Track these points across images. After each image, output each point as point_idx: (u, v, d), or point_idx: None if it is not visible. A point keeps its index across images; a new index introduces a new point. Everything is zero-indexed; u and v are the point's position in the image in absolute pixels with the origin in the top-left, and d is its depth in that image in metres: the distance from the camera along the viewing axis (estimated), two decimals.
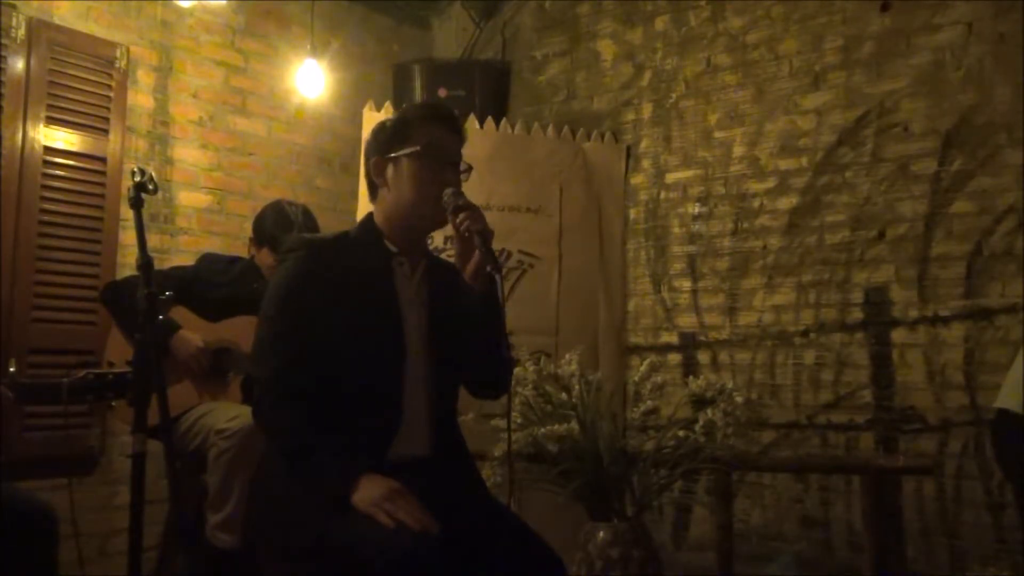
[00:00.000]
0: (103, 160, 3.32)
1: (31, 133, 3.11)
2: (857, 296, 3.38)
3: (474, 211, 1.73)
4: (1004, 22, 3.12)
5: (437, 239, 3.62)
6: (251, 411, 1.76)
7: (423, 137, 1.77)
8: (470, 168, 1.83)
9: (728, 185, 3.75)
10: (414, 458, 1.73)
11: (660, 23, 4.02)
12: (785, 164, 3.60)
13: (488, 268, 1.69)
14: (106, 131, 3.34)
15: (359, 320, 1.72)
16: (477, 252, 1.72)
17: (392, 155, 1.78)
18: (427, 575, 1.49)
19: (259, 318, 1.76)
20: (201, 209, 3.73)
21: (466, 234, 1.72)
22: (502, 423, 2.70)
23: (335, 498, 1.58)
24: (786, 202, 3.58)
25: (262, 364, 1.74)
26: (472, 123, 3.91)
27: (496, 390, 1.91)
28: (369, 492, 1.57)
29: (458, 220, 1.72)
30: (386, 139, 1.80)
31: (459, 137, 1.84)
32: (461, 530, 1.62)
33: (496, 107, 4.21)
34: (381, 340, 1.73)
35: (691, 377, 3.10)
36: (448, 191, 1.74)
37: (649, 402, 2.72)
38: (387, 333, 1.74)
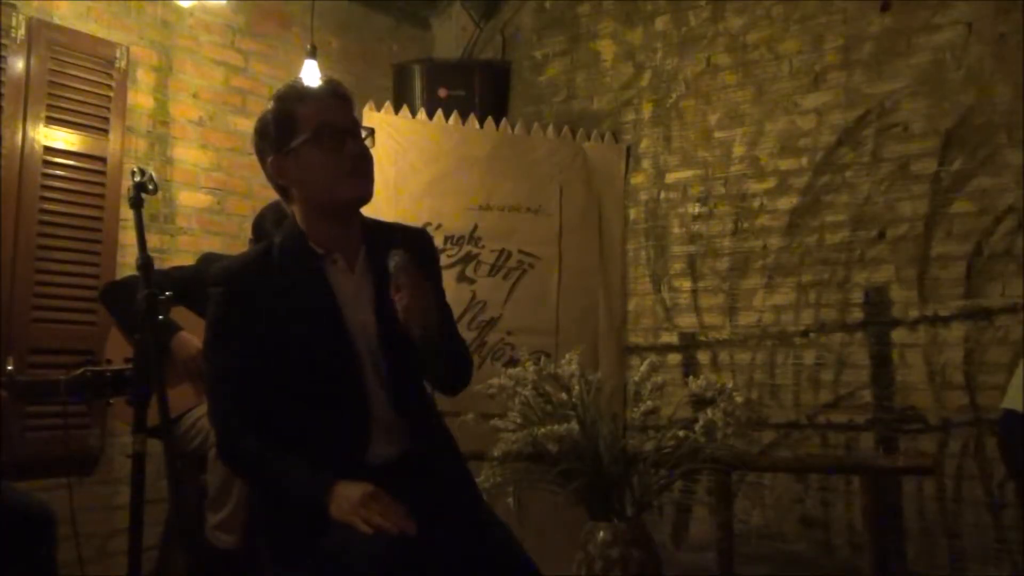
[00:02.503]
0: (103, 160, 3.32)
1: (31, 133, 3.11)
2: (857, 296, 3.38)
3: (415, 290, 1.58)
4: (1004, 22, 3.12)
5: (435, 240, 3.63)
6: (215, 451, 1.75)
7: (311, 118, 1.65)
8: (372, 131, 1.72)
9: (728, 185, 3.75)
10: (390, 458, 1.68)
11: (660, 23, 4.02)
12: (785, 164, 3.60)
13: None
14: (106, 131, 3.34)
15: (299, 335, 1.64)
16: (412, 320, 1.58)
17: (287, 149, 1.66)
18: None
19: (202, 360, 1.73)
20: (201, 209, 3.73)
21: (400, 310, 1.58)
22: (502, 423, 2.71)
23: (313, 516, 1.55)
24: (786, 202, 3.58)
25: (211, 409, 1.70)
26: (472, 123, 3.91)
27: (457, 387, 1.82)
28: (343, 501, 1.53)
29: (395, 296, 1.58)
30: (274, 135, 1.68)
31: (346, 102, 1.71)
32: (440, 530, 1.59)
33: (496, 107, 4.21)
34: (327, 349, 1.66)
35: (691, 377, 3.10)
36: (394, 259, 1.61)
37: (649, 402, 2.72)
38: (332, 340, 1.66)
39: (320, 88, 1.73)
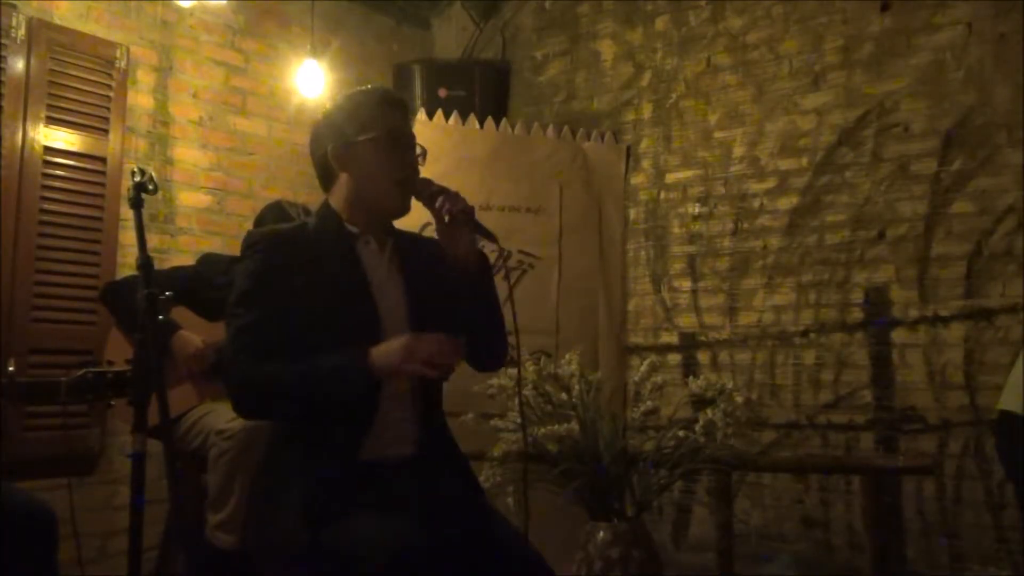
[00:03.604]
0: (103, 160, 3.32)
1: (31, 133, 3.11)
2: (857, 296, 3.38)
3: (450, 192, 1.73)
4: (1004, 22, 3.12)
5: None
6: (233, 405, 1.71)
7: (381, 122, 1.76)
8: (425, 152, 1.82)
9: (728, 185, 3.75)
10: (401, 458, 1.70)
11: (660, 23, 4.02)
12: (785, 164, 3.60)
13: (483, 244, 1.72)
14: (106, 131, 3.34)
15: (329, 307, 1.68)
16: (463, 231, 1.72)
17: (351, 141, 1.75)
18: None
19: (226, 316, 1.72)
20: (201, 209, 3.72)
21: (447, 217, 1.71)
22: (502, 423, 2.71)
23: (360, 389, 1.59)
24: (786, 202, 3.58)
25: (229, 358, 1.68)
26: (472, 123, 3.91)
27: (497, 361, 1.89)
28: (385, 357, 1.59)
29: (437, 204, 1.71)
30: (343, 126, 1.77)
31: (410, 117, 1.85)
32: (451, 532, 1.61)
33: (496, 107, 4.21)
34: (355, 325, 1.69)
35: (691, 377, 3.10)
36: (420, 180, 1.76)
37: (649, 402, 2.73)
38: (361, 317, 1.70)
39: (393, 96, 1.84)
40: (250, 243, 1.75)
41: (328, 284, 1.70)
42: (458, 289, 1.75)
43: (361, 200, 1.77)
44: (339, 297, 1.70)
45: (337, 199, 1.79)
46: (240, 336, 1.67)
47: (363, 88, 1.84)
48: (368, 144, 1.74)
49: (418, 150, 1.80)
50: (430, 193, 1.73)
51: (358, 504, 1.59)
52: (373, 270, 1.76)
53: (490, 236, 1.72)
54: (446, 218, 1.72)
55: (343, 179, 1.78)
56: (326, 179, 1.82)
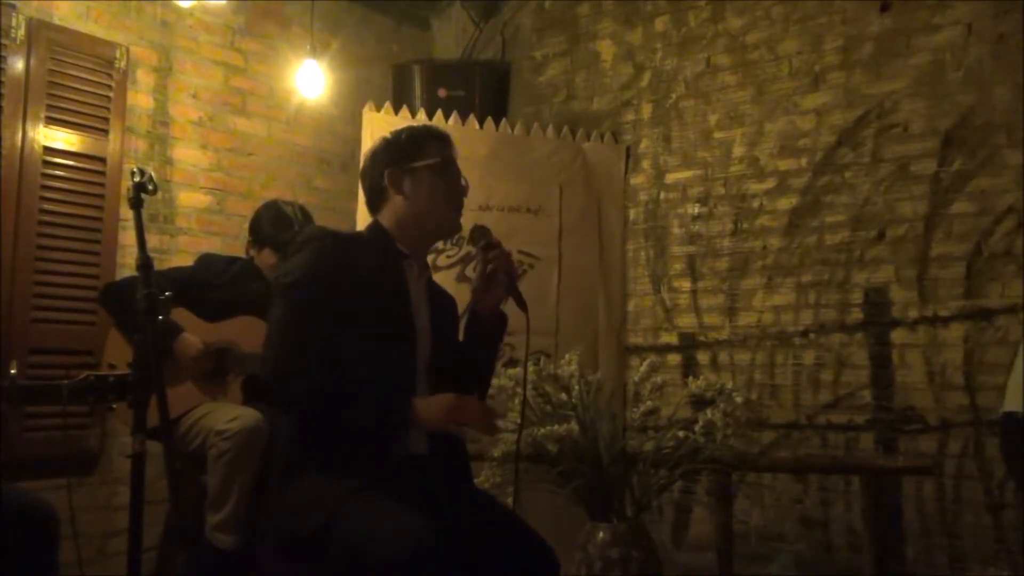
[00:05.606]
0: (103, 160, 3.32)
1: (31, 133, 3.11)
2: (857, 296, 3.38)
3: (503, 250, 1.88)
4: (1004, 22, 3.12)
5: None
6: (274, 392, 1.74)
7: (437, 152, 1.91)
8: (468, 185, 1.97)
9: (728, 185, 3.75)
10: (417, 455, 1.78)
11: (660, 23, 4.02)
12: (785, 164, 3.60)
13: (517, 307, 1.85)
14: (106, 131, 3.34)
15: (376, 312, 1.77)
16: (499, 288, 1.87)
17: (411, 166, 1.88)
18: (429, 573, 1.50)
19: (275, 300, 1.76)
20: (201, 209, 3.72)
21: (490, 268, 1.86)
22: (502, 423, 2.71)
23: (396, 431, 1.72)
24: (786, 202, 3.58)
25: (274, 342, 1.71)
26: (472, 123, 3.91)
27: None
28: (430, 415, 1.71)
29: (490, 256, 1.86)
30: (402, 151, 1.90)
31: (456, 154, 1.98)
32: (461, 525, 1.66)
33: (496, 107, 4.21)
34: (394, 335, 1.80)
35: (691, 377, 3.10)
36: (476, 227, 1.91)
37: (649, 402, 2.73)
38: (400, 329, 1.81)
39: (442, 132, 1.99)
40: (309, 237, 1.82)
41: (377, 291, 1.81)
42: (469, 333, 1.94)
43: (413, 220, 1.89)
44: (385, 305, 1.81)
45: (388, 220, 1.90)
46: (288, 322, 1.71)
47: (414, 124, 2.02)
48: (425, 169, 1.88)
49: (463, 181, 1.94)
50: (486, 243, 1.88)
51: (379, 500, 1.63)
52: (413, 290, 1.89)
53: (522, 304, 1.85)
54: (489, 268, 1.85)
55: (396, 201, 1.89)
56: (376, 201, 1.93)
